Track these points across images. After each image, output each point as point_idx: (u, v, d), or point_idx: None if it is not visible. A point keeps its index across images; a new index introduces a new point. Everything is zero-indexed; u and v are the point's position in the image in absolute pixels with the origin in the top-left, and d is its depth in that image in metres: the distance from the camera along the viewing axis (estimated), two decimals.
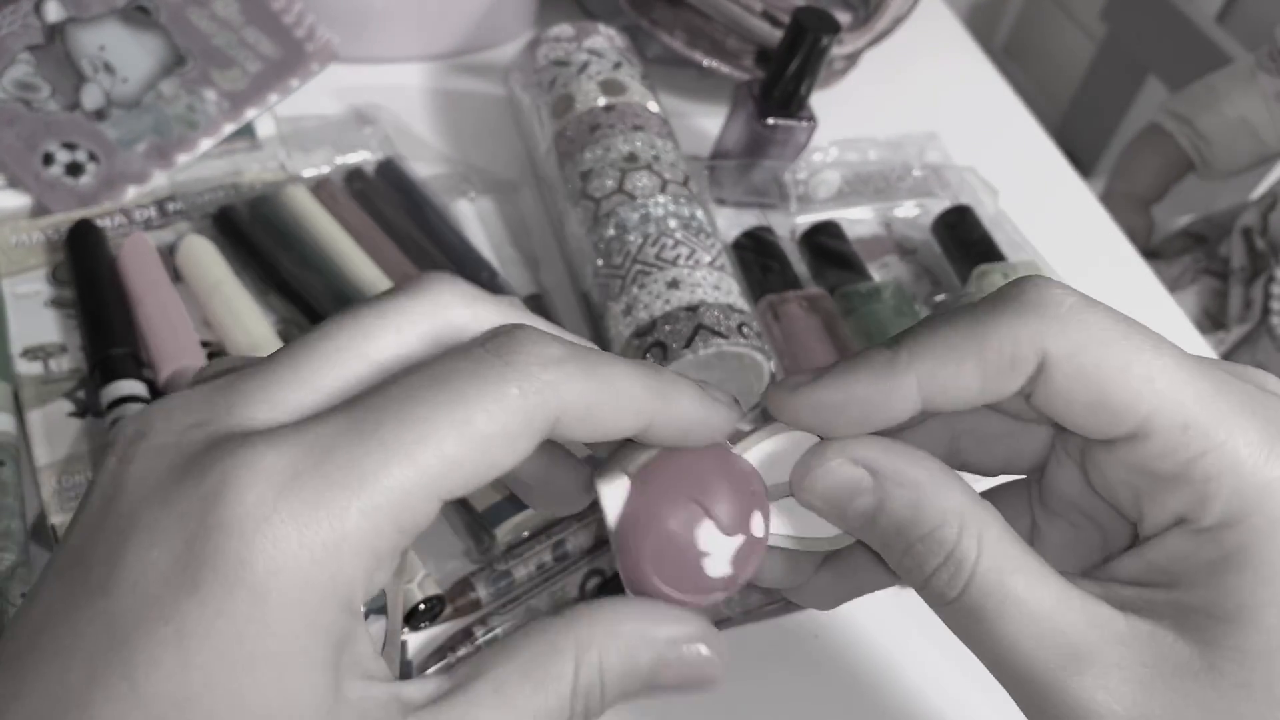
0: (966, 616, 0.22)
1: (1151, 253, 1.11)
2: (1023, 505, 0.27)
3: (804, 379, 0.24)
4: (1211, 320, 1.02)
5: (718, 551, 0.23)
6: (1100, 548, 0.26)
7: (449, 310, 0.22)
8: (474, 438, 0.20)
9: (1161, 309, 0.67)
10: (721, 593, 0.24)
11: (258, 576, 0.18)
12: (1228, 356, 0.98)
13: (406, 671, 0.39)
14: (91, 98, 0.52)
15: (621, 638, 0.22)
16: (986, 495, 0.28)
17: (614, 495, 0.24)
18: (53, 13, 0.53)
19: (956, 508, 0.23)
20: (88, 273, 0.46)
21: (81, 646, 0.18)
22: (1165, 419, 0.22)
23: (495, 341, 0.21)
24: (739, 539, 0.23)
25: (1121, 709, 0.21)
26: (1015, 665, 0.22)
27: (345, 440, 0.19)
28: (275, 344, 0.46)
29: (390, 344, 0.21)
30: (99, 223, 0.49)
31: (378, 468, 0.19)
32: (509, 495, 0.42)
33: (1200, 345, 0.65)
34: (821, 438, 0.25)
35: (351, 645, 0.20)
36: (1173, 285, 1.04)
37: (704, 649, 0.22)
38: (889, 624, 0.45)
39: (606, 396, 0.22)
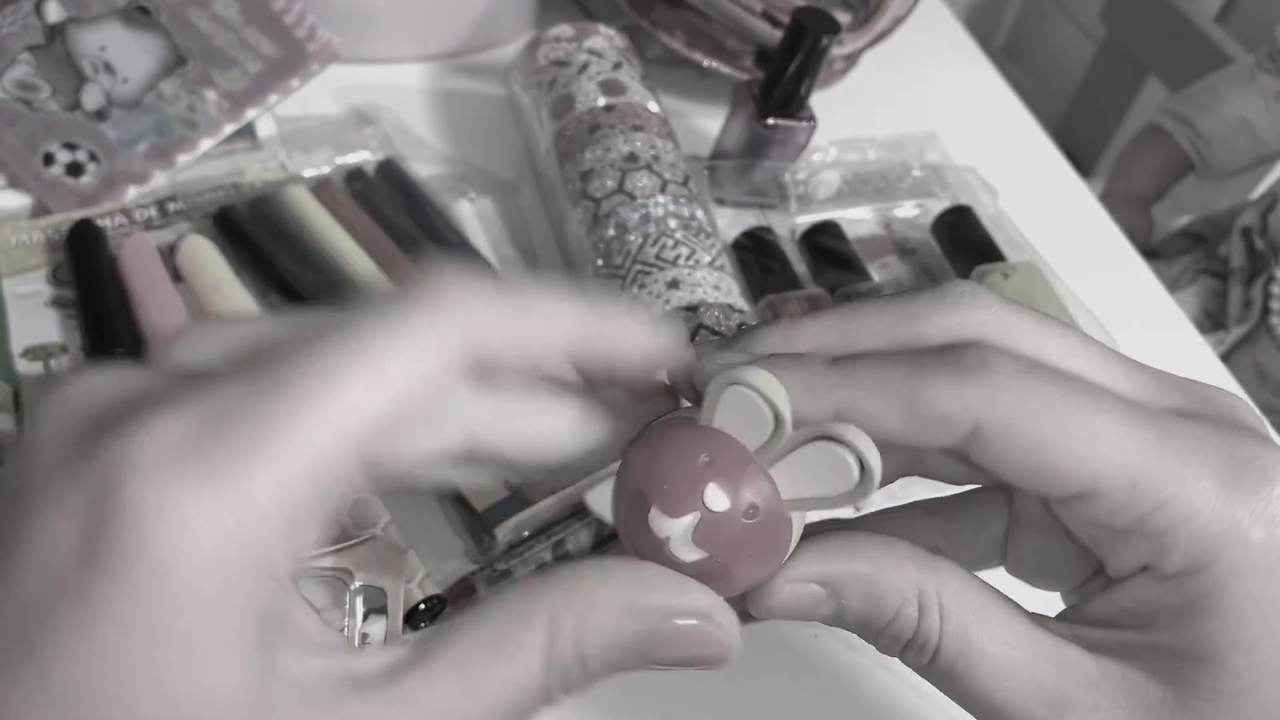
0: (942, 678, 0.23)
1: (1151, 253, 1.12)
2: (999, 508, 0.27)
3: (734, 358, 0.23)
4: (1211, 320, 1.02)
5: (674, 535, 0.22)
6: (1076, 558, 0.25)
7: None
8: (388, 380, 0.19)
9: (1161, 309, 0.67)
10: (720, 581, 0.22)
11: (161, 552, 0.17)
12: (1227, 356, 0.98)
13: None
14: (92, 98, 0.52)
15: (603, 605, 0.20)
16: (962, 496, 0.28)
17: (600, 499, 0.24)
18: (53, 13, 0.53)
19: (911, 584, 0.23)
20: (88, 273, 0.46)
21: None
22: (1111, 480, 0.21)
23: (404, 287, 0.20)
24: (689, 517, 0.22)
25: None
26: (996, 717, 0.23)
27: (250, 399, 0.18)
28: None
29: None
30: (99, 223, 0.49)
31: (286, 426, 0.18)
32: (509, 495, 0.42)
33: (1200, 345, 0.66)
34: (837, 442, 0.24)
35: (286, 617, 0.18)
36: (1172, 285, 1.04)
37: (708, 624, 0.21)
38: None
39: (527, 316, 0.21)
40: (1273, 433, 0.23)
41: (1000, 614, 0.23)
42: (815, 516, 0.24)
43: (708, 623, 0.21)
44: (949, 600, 0.23)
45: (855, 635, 0.24)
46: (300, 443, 0.18)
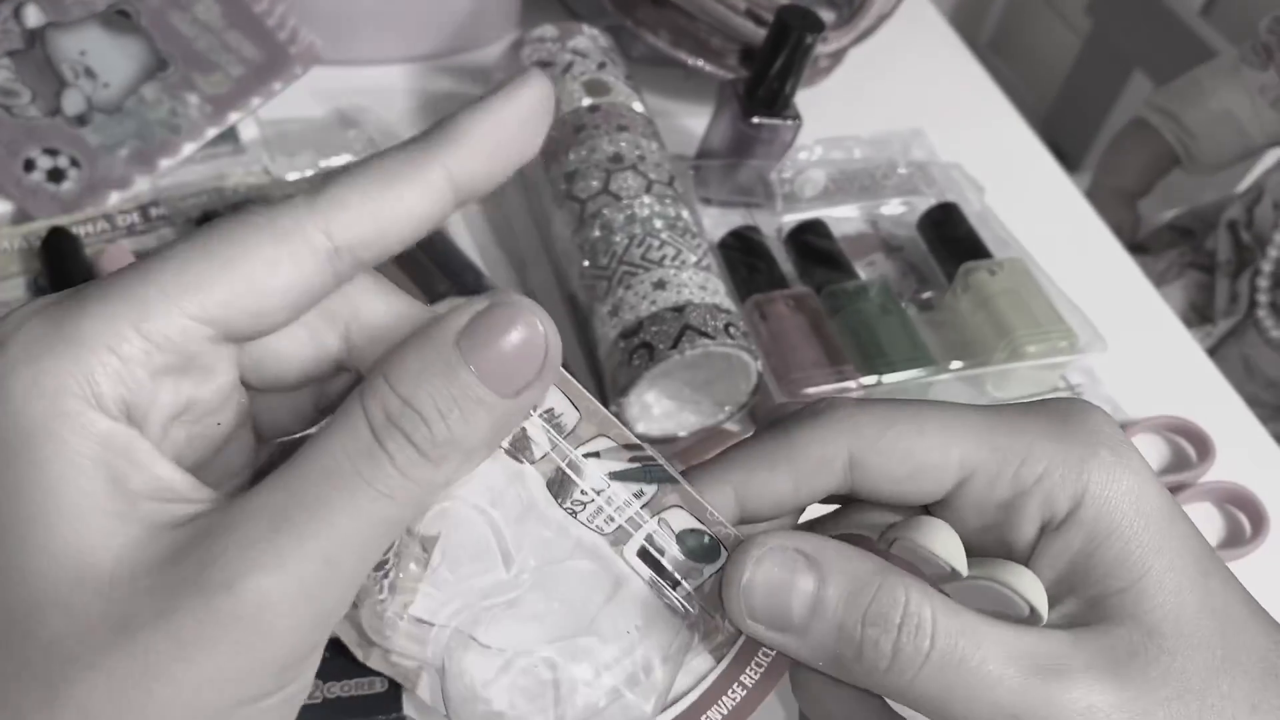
0: (945, 667, 0.22)
1: (1138, 247, 1.12)
2: None
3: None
4: (1198, 314, 1.02)
5: None
6: None
7: None
8: (216, 258, 0.20)
9: (1148, 303, 0.67)
10: None
11: (4, 370, 0.19)
12: (1214, 350, 0.98)
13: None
14: (73, 103, 0.52)
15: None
16: None
17: None
18: (32, 17, 0.53)
19: (883, 567, 0.23)
20: (64, 280, 0.46)
21: None
22: (976, 453, 0.24)
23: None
24: None
25: (1108, 703, 0.22)
26: (1009, 697, 0.22)
27: (106, 278, 0.21)
28: None
29: None
30: (82, 229, 0.49)
31: (119, 287, 0.20)
32: None
33: (1187, 339, 0.66)
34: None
35: (128, 449, 0.20)
36: (1159, 279, 1.04)
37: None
38: None
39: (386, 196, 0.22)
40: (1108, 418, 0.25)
41: (964, 607, 0.23)
42: None
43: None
44: (929, 591, 0.23)
45: (834, 645, 0.24)
46: (126, 294, 0.20)
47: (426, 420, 0.20)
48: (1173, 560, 0.23)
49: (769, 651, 0.25)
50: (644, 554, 0.25)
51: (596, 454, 0.25)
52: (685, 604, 0.25)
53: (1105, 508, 0.23)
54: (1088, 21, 1.71)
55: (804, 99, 0.60)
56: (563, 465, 0.25)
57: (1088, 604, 0.24)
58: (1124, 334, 0.57)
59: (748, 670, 0.26)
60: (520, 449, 0.25)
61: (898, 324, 0.54)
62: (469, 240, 0.55)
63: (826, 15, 0.67)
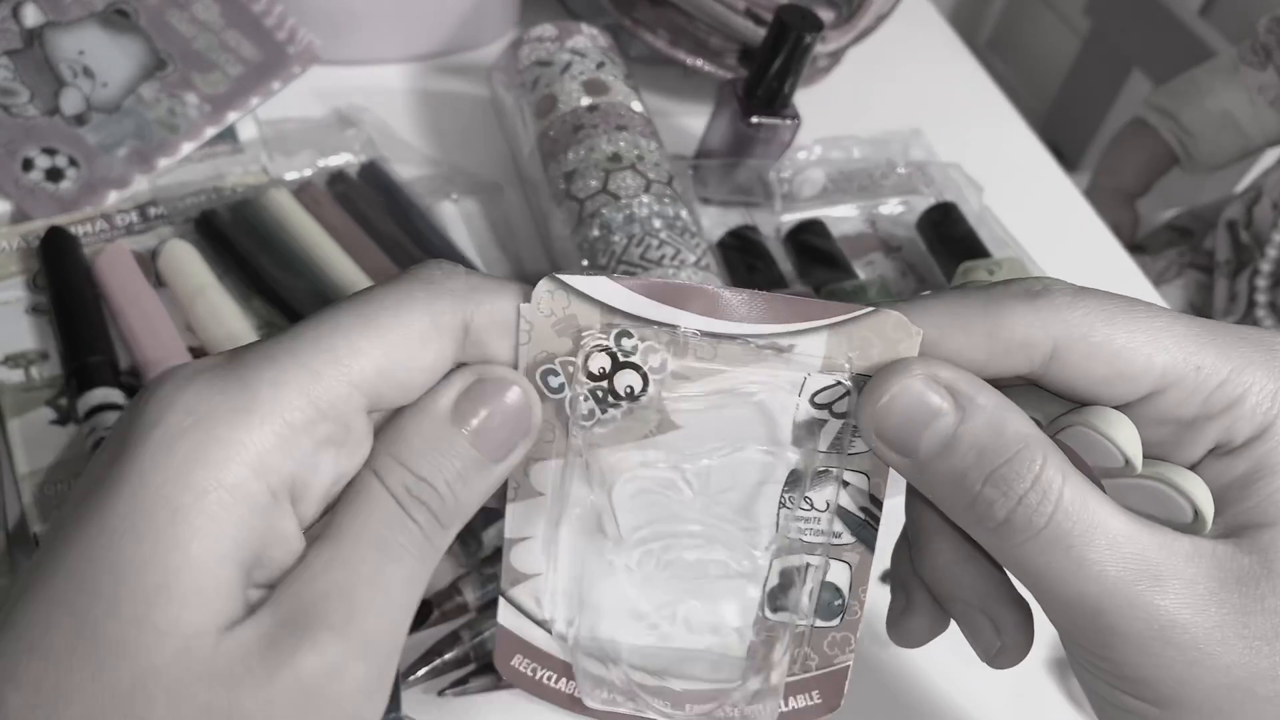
0: (1051, 546, 0.22)
1: (1137, 247, 1.12)
2: None
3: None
4: (1197, 313, 1.01)
5: None
6: None
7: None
8: (379, 328, 0.21)
9: None
10: None
11: (169, 434, 0.20)
12: None
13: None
14: (71, 102, 0.52)
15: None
16: None
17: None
18: (31, 17, 0.53)
19: (1034, 434, 0.23)
20: (61, 280, 0.46)
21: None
22: (1178, 369, 0.23)
23: (414, 267, 0.23)
24: None
25: (1201, 619, 0.22)
26: (1098, 591, 0.22)
27: (266, 343, 0.21)
28: None
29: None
30: (80, 228, 0.49)
31: (287, 352, 0.21)
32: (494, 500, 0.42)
33: None
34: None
35: (272, 529, 0.20)
36: (1158, 279, 1.04)
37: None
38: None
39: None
40: None
41: (1105, 495, 0.23)
42: None
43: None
44: (1067, 466, 0.23)
45: (949, 488, 0.24)
46: (296, 361, 0.21)
47: (439, 492, 0.22)
48: None
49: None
50: (785, 575, 0.26)
51: (846, 483, 0.26)
52: (763, 637, 0.27)
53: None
54: (1086, 21, 1.71)
55: (803, 98, 0.60)
56: (818, 467, 0.25)
57: (1223, 528, 0.24)
58: None
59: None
60: (805, 434, 0.25)
61: None
62: (468, 240, 0.55)
63: (825, 15, 0.67)
